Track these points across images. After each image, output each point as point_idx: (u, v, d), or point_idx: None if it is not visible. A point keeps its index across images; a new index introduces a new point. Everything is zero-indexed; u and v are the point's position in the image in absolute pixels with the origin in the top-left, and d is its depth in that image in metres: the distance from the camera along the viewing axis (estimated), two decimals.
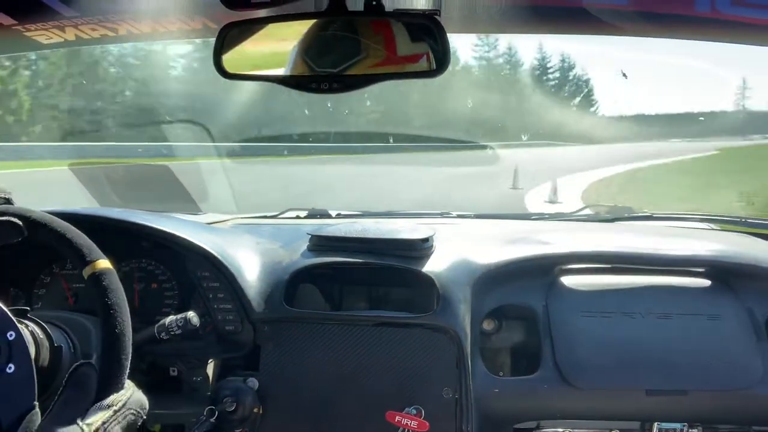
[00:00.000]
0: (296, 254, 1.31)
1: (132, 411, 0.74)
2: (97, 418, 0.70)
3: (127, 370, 0.79)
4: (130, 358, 0.80)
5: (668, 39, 1.21)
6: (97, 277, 0.84)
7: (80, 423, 0.69)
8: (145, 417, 0.76)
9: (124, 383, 0.78)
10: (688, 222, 1.70)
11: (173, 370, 1.24)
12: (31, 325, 0.85)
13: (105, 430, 0.69)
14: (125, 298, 0.85)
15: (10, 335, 0.73)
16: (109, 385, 0.76)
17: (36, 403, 0.70)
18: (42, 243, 0.87)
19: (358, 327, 1.20)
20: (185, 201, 2.27)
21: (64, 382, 0.73)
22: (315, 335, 1.20)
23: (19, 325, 0.75)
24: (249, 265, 1.28)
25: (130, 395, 0.75)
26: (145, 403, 0.77)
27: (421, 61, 0.92)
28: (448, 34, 0.89)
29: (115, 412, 0.71)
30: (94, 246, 0.87)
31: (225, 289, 1.22)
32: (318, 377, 1.18)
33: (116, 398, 0.73)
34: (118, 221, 1.23)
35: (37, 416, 0.69)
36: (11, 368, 0.72)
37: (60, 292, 1.29)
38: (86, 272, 0.84)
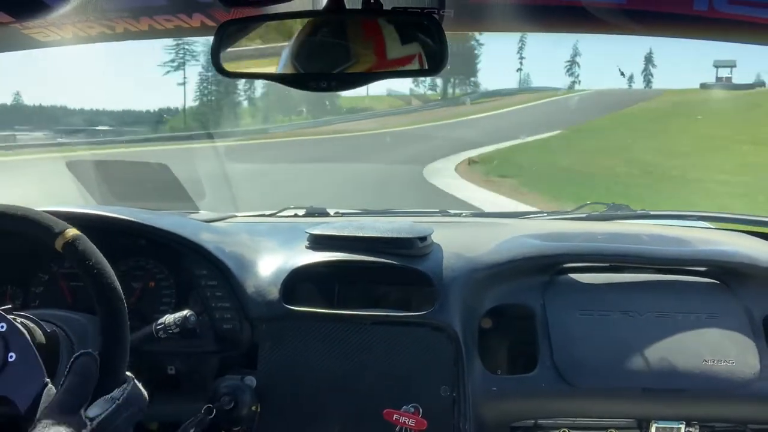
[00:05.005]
0: (294, 252, 1.31)
1: (134, 408, 0.74)
2: (100, 412, 0.70)
3: (127, 357, 0.79)
4: (129, 345, 0.80)
5: (666, 37, 1.21)
6: (71, 244, 0.84)
7: (83, 413, 0.69)
8: (145, 412, 0.77)
9: (124, 373, 0.78)
10: (686, 220, 1.70)
11: (171, 369, 1.24)
12: (20, 318, 0.85)
13: (108, 422, 0.69)
14: (104, 258, 0.84)
15: (1, 327, 0.73)
16: (111, 373, 0.76)
17: (47, 380, 0.71)
18: (6, 230, 0.86)
19: (356, 325, 1.20)
20: (183, 199, 2.27)
21: (66, 371, 0.73)
22: (313, 333, 1.20)
23: (8, 316, 0.75)
24: (247, 264, 1.28)
25: (131, 389, 0.75)
26: (146, 398, 0.78)
27: (415, 62, 0.91)
28: (446, 33, 0.89)
29: (119, 406, 0.72)
30: (58, 219, 0.86)
31: (223, 287, 1.22)
32: (316, 375, 1.18)
33: (119, 392, 0.74)
34: (115, 219, 1.23)
35: (52, 390, 0.70)
36: (12, 357, 0.72)
37: (58, 291, 1.28)
38: (58, 244, 0.84)
